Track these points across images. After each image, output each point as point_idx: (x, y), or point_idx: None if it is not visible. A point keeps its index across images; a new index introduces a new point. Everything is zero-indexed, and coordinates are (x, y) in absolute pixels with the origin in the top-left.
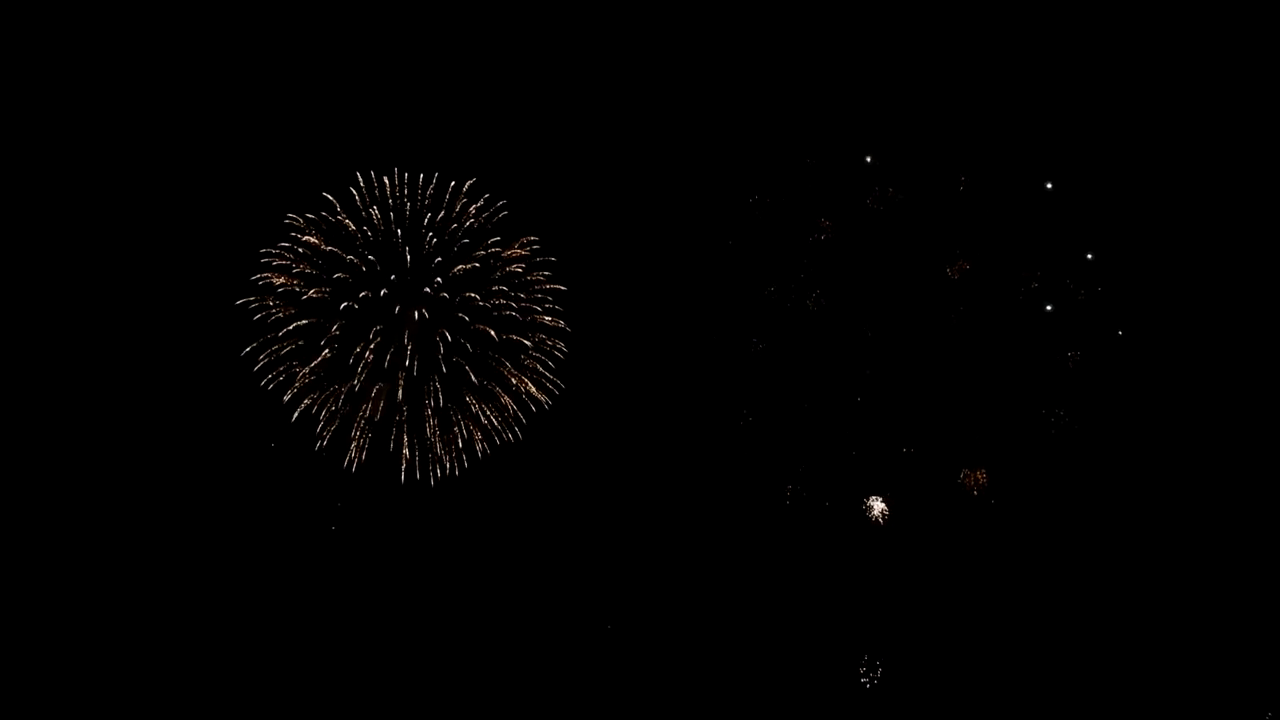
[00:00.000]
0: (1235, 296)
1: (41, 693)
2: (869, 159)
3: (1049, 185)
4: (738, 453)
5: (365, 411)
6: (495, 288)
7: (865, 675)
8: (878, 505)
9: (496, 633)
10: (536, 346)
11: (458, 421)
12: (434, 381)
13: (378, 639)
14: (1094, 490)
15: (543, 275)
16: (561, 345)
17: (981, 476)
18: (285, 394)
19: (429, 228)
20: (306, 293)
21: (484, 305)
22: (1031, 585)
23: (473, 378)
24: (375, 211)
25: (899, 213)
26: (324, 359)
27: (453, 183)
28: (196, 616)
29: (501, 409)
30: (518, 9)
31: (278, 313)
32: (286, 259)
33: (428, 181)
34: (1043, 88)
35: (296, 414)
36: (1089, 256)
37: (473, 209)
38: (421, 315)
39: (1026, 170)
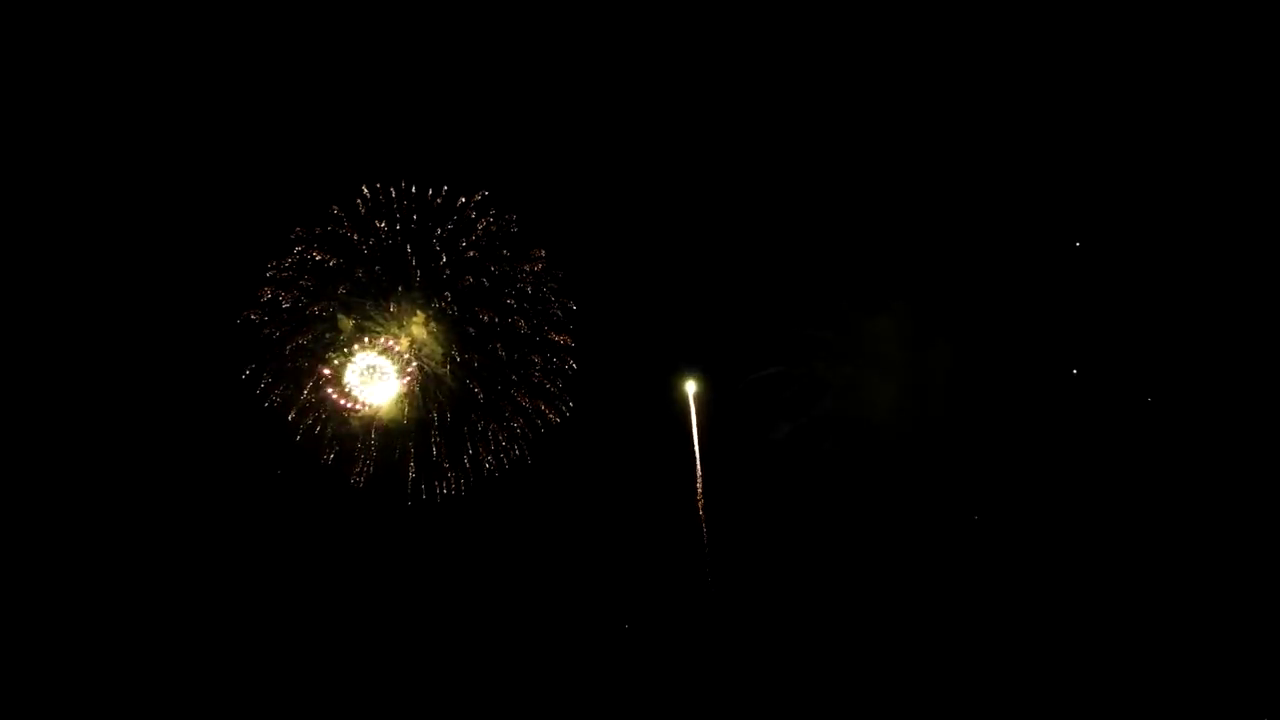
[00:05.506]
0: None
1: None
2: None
3: (1077, 244)
4: (746, 466)
5: (370, 429)
6: (505, 303)
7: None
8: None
9: (502, 652)
10: (546, 363)
11: (465, 439)
12: (440, 398)
13: (385, 656)
14: (1092, 505)
15: (553, 290)
16: (572, 362)
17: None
18: (290, 412)
19: (437, 241)
20: (311, 308)
21: (493, 321)
22: (1030, 597)
23: (480, 395)
24: (383, 225)
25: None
26: (329, 376)
27: (462, 198)
28: (199, 633)
29: (509, 427)
30: (529, 21)
31: (282, 329)
32: (291, 273)
33: (436, 194)
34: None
35: (300, 431)
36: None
37: (482, 223)
38: (429, 330)
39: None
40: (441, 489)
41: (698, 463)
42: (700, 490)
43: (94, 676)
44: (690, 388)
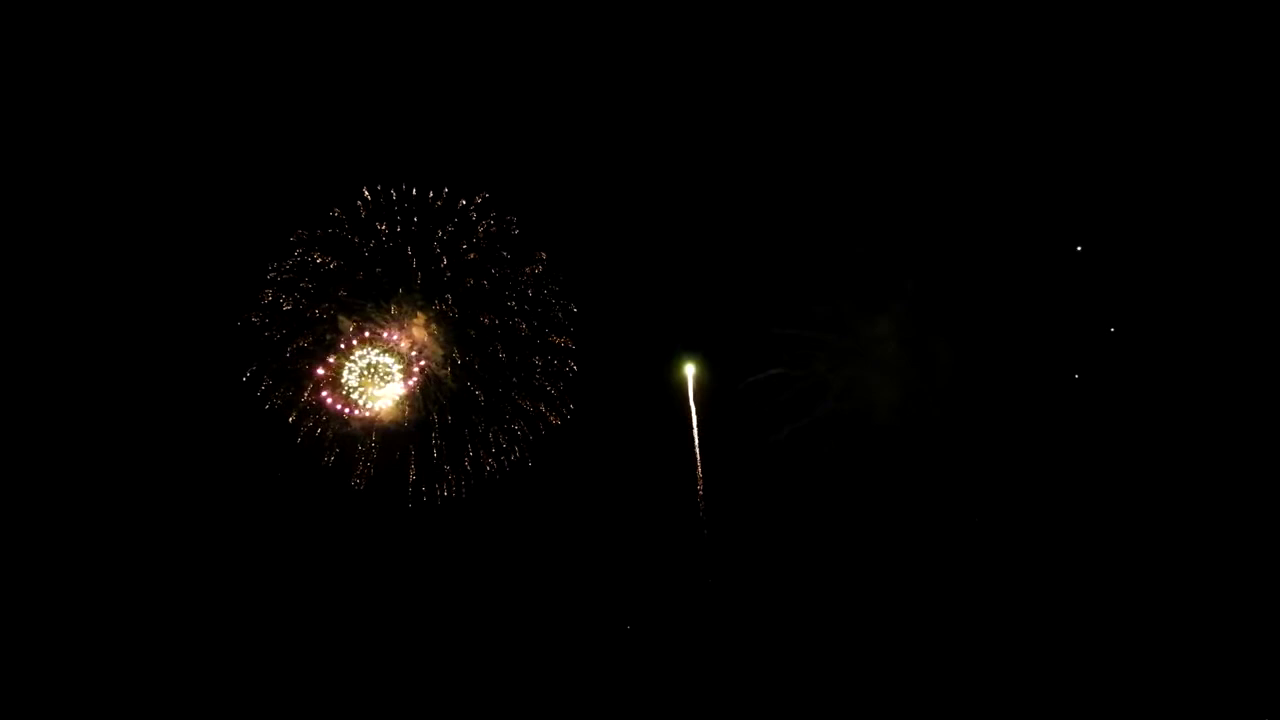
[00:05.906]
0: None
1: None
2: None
3: (1079, 248)
4: (746, 467)
5: (371, 431)
6: (506, 305)
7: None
8: None
9: (504, 654)
10: (547, 366)
11: (466, 442)
12: (441, 401)
13: (387, 659)
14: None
15: (554, 292)
16: (573, 364)
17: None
18: (290, 414)
19: (438, 243)
20: (311, 310)
21: (494, 323)
22: (1030, 599)
23: (481, 398)
24: (383, 227)
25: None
26: (329, 378)
27: (462, 200)
28: (201, 636)
29: (510, 429)
30: (529, 22)
31: (282, 331)
32: (292, 276)
33: (436, 196)
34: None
35: (301, 434)
36: (1111, 329)
37: (483, 225)
38: (430, 333)
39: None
40: (442, 491)
41: (698, 462)
42: (700, 491)
43: (95, 678)
44: (689, 370)
